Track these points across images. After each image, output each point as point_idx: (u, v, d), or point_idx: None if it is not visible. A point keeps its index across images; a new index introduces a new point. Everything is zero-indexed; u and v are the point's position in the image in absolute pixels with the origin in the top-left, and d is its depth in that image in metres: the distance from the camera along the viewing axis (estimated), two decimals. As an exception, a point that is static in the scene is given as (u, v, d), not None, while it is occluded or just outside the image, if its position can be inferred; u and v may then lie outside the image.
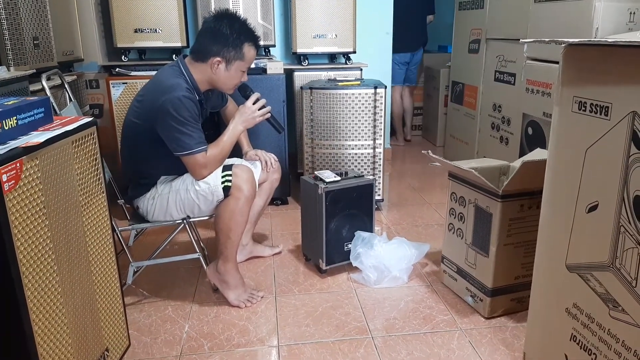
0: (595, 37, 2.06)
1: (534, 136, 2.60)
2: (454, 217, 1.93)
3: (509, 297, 1.81)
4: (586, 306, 1.26)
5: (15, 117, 1.15)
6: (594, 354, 1.24)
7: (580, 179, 1.23)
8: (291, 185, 3.05)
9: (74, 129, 1.25)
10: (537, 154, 1.96)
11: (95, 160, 1.37)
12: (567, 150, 1.28)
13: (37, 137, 1.14)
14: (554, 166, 1.34)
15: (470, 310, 1.87)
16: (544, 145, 2.45)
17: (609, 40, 1.09)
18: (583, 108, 1.21)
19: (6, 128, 1.12)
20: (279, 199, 2.99)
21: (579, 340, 1.29)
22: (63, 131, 1.21)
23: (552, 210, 1.36)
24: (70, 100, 2.25)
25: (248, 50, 1.87)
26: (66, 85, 2.30)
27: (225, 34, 1.81)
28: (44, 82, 2.02)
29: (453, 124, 3.79)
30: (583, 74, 1.22)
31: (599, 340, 1.22)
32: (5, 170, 1.01)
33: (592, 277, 1.23)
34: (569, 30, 2.23)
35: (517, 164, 1.88)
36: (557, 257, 1.33)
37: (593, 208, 1.20)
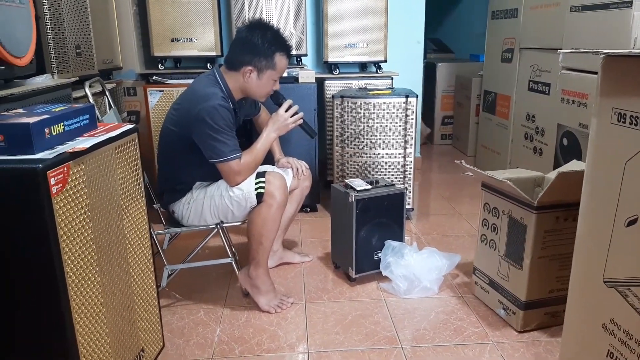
0: (633, 47, 2.02)
1: (569, 147, 2.56)
2: (487, 228, 1.91)
3: (543, 310, 1.77)
4: (624, 322, 1.23)
5: (62, 124, 1.20)
6: (632, 371, 1.21)
7: (619, 192, 1.21)
8: (320, 192, 3.07)
9: (117, 135, 1.30)
10: (573, 166, 1.93)
11: (136, 165, 1.42)
12: (605, 162, 1.26)
13: (83, 143, 1.19)
14: (592, 179, 1.32)
15: (502, 323, 1.84)
16: (579, 157, 2.40)
17: (651, 51, 1.07)
18: (623, 120, 1.19)
19: (54, 133, 1.17)
20: (308, 206, 3.02)
21: (616, 357, 1.26)
22: (107, 137, 1.26)
23: (590, 224, 1.34)
24: (111, 107, 2.32)
25: (280, 59, 1.89)
26: (107, 93, 2.38)
27: (257, 43, 1.84)
28: (87, 90, 2.09)
29: (485, 134, 3.75)
30: (622, 85, 1.20)
31: (637, 358, 1.19)
32: (53, 174, 1.06)
33: (630, 293, 1.20)
34: (606, 40, 2.19)
35: (552, 175, 1.85)
36: (594, 271, 1.31)
37: (632, 222, 1.18)
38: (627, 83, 1.19)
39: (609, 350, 1.28)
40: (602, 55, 1.23)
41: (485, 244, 1.92)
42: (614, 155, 1.22)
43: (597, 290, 1.30)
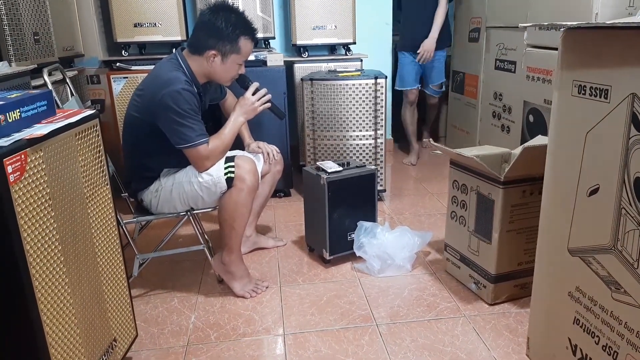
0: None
1: (535, 124, 2.60)
2: (456, 205, 1.94)
3: (512, 283, 1.82)
4: (589, 289, 1.27)
5: (18, 110, 1.16)
6: (597, 336, 1.25)
7: (581, 163, 1.24)
8: (293, 177, 3.06)
9: (77, 121, 1.26)
10: (538, 141, 1.97)
11: (99, 152, 1.38)
12: (567, 134, 1.28)
13: (40, 129, 1.15)
14: (554, 150, 1.34)
15: (473, 297, 1.88)
16: (545, 132, 2.44)
17: (607, 22, 1.09)
18: (583, 91, 1.21)
19: (10, 120, 1.12)
20: (281, 191, 3.00)
21: (582, 324, 1.30)
22: (66, 123, 1.22)
23: (554, 195, 1.37)
24: (72, 95, 2.26)
25: (244, 43, 1.86)
26: (67, 80, 2.31)
27: (221, 27, 1.80)
28: (45, 77, 2.03)
29: (454, 114, 3.79)
30: (582, 57, 1.22)
31: (601, 322, 1.23)
32: (10, 161, 1.02)
33: (594, 260, 1.24)
34: (568, 16, 2.23)
35: (518, 150, 1.88)
36: (559, 241, 1.34)
37: (594, 191, 1.21)
38: (587, 55, 1.21)
39: (575, 317, 1.32)
40: (562, 29, 1.24)
41: (455, 221, 1.95)
42: (575, 126, 1.24)
43: (563, 260, 1.33)
